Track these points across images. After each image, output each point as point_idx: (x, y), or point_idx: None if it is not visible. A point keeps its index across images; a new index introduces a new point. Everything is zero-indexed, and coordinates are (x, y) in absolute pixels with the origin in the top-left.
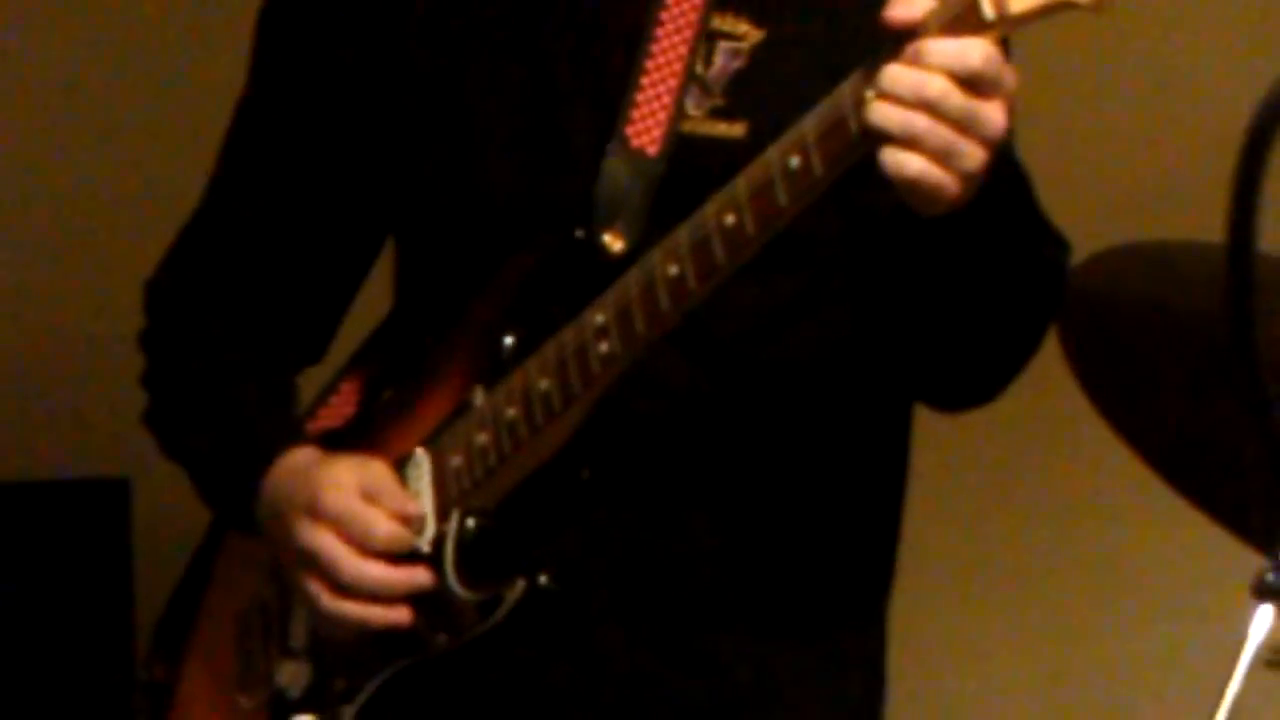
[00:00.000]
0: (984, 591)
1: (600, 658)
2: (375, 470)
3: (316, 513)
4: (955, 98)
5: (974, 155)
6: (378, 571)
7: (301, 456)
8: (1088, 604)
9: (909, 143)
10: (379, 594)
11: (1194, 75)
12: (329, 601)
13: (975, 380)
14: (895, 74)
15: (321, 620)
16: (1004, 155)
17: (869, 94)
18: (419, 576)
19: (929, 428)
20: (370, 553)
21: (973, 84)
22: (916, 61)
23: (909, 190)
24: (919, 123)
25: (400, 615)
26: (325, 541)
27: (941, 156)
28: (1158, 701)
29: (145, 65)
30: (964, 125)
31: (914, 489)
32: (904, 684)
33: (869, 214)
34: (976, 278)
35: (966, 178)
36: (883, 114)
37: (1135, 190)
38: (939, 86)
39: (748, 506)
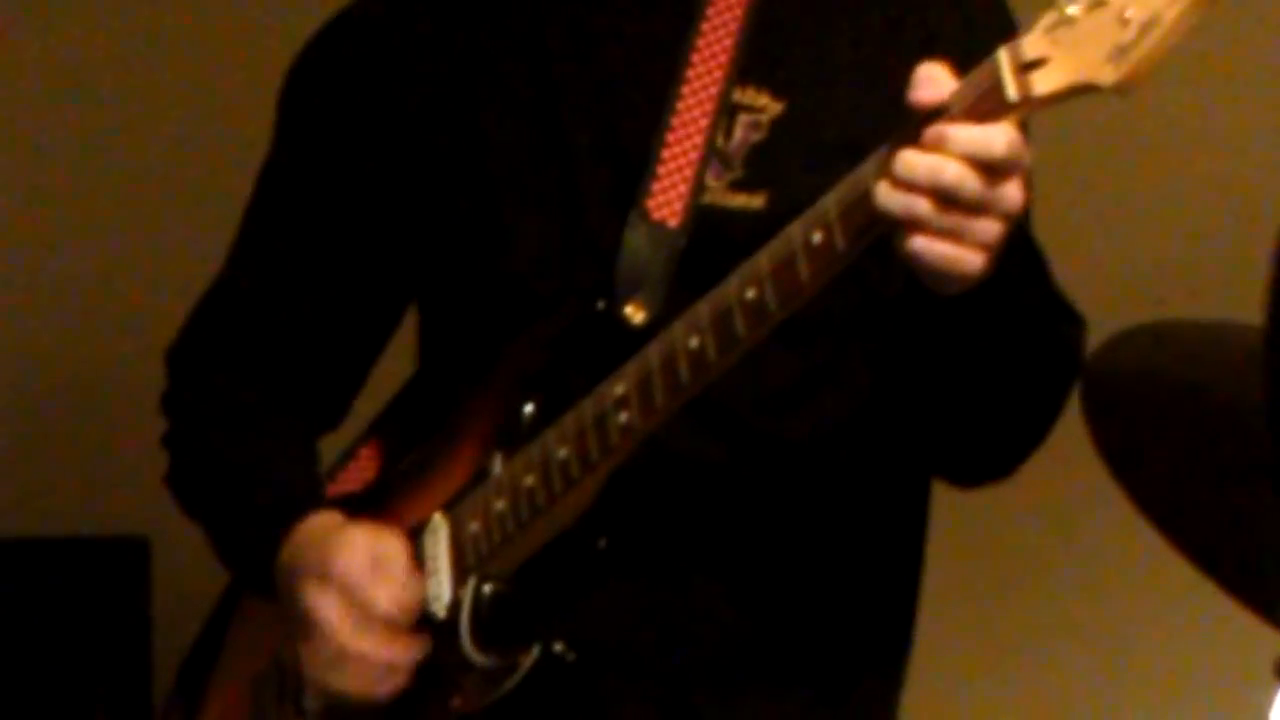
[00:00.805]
0: (997, 670)
1: None
2: (389, 543)
3: (325, 577)
4: (970, 184)
5: (990, 230)
6: (368, 645)
7: (320, 522)
8: (1105, 684)
9: (914, 226)
10: (380, 668)
11: (1221, 151)
12: (329, 674)
13: (990, 456)
14: (909, 160)
15: (311, 686)
16: (1017, 232)
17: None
18: (410, 651)
19: (943, 501)
20: (369, 625)
21: (996, 168)
22: (939, 147)
23: (919, 269)
24: (921, 207)
25: (400, 682)
26: (329, 611)
27: (953, 235)
28: None
29: (173, 129)
30: (983, 208)
31: (928, 565)
32: None
33: (885, 289)
34: (991, 353)
35: (984, 250)
36: (886, 197)
37: (1160, 268)
38: (954, 173)
39: (764, 578)
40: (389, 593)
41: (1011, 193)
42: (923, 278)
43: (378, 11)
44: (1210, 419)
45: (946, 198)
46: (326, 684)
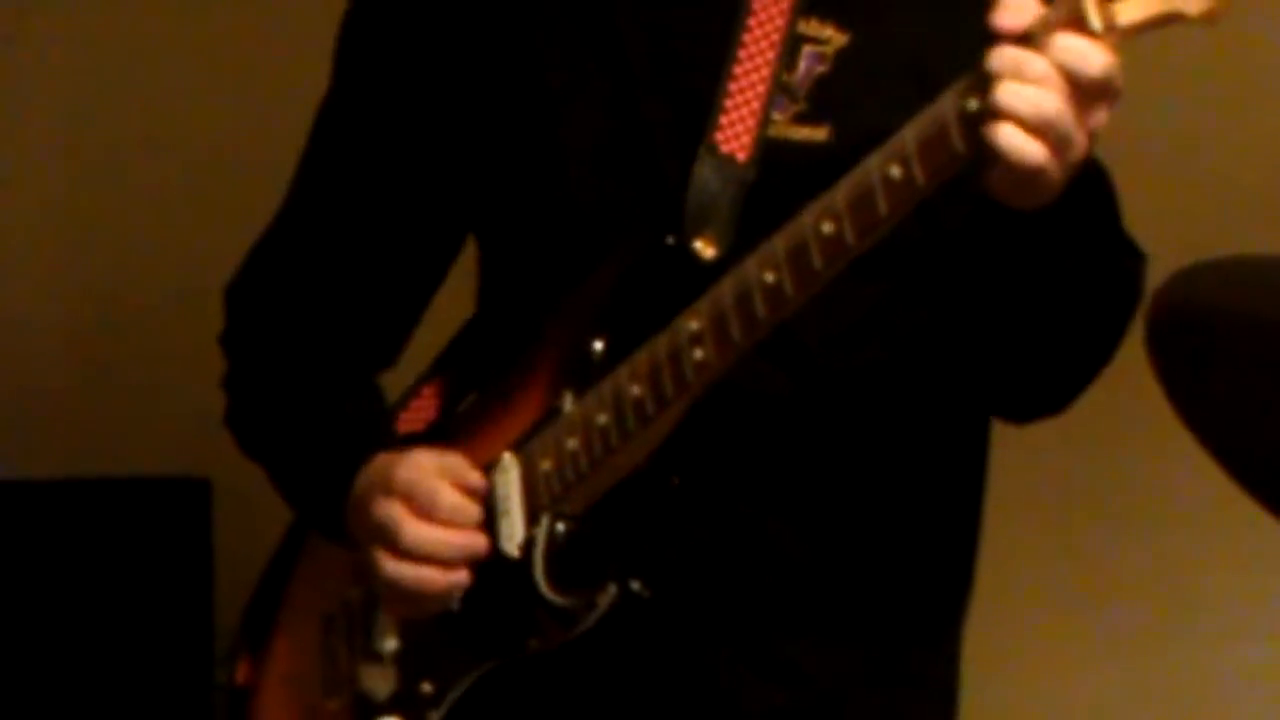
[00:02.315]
0: (1060, 608)
1: (688, 663)
2: (450, 454)
3: (389, 487)
4: (1067, 89)
5: (1080, 147)
6: (436, 534)
7: (390, 455)
8: (1167, 621)
9: (1036, 128)
10: (437, 557)
11: None
12: (390, 567)
13: (1046, 390)
14: (1011, 57)
15: (385, 591)
16: (1092, 159)
17: (972, 103)
18: (476, 540)
19: (1007, 442)
20: (433, 516)
21: (1091, 88)
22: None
23: (1015, 177)
24: (1050, 106)
25: (458, 578)
26: (392, 510)
27: (1056, 146)
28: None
29: (230, 65)
30: (1083, 118)
31: (990, 504)
32: (976, 698)
33: (951, 220)
34: (1055, 283)
35: (1069, 168)
36: (1010, 94)
37: (1230, 202)
38: (1049, 73)
39: (833, 513)
40: (450, 489)
41: (1100, 114)
42: (998, 189)
43: None
44: (1275, 351)
45: (1062, 100)
46: (392, 586)
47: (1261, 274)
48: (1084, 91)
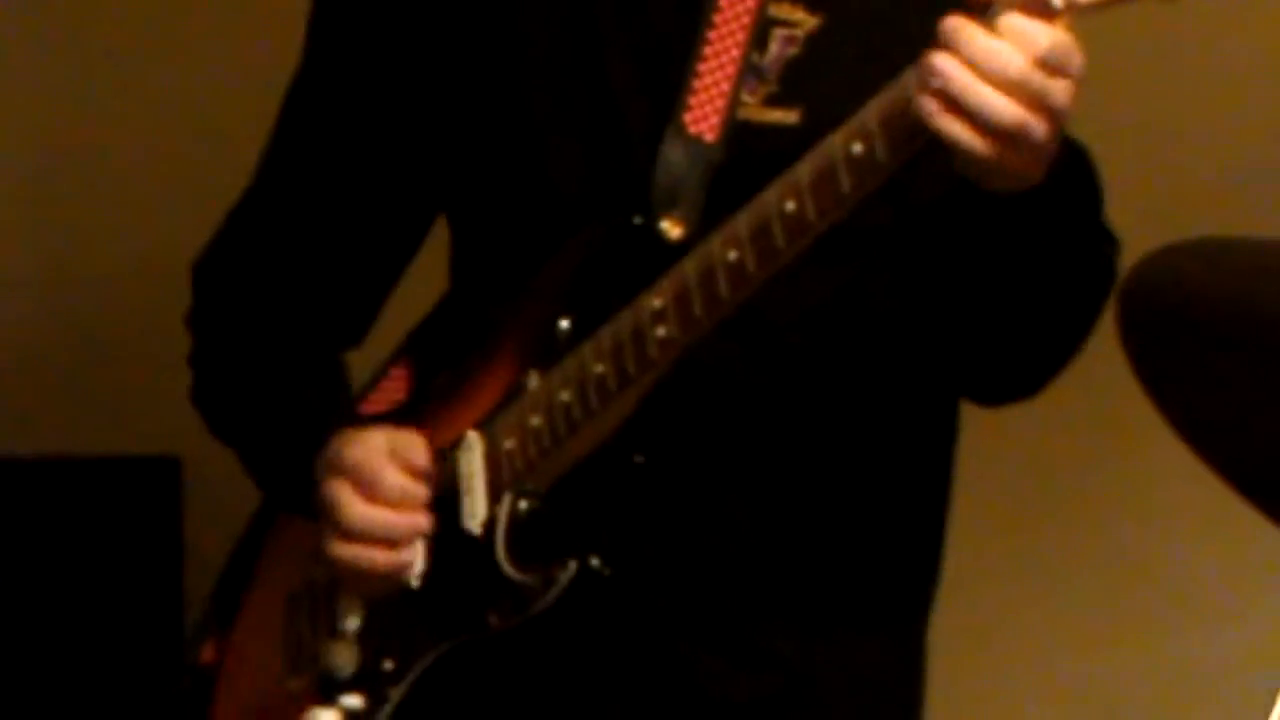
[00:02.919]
0: (1025, 592)
1: (649, 642)
2: (404, 434)
3: (337, 466)
4: (1034, 77)
5: (1039, 132)
6: (379, 515)
7: (347, 434)
8: (1132, 606)
9: (989, 121)
10: (381, 538)
11: (1263, 66)
12: (336, 547)
13: (1018, 374)
14: (974, 41)
15: (337, 570)
16: (1073, 145)
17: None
18: (419, 521)
19: (973, 425)
20: (374, 497)
21: (1042, 66)
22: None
23: (969, 161)
24: (984, 94)
25: (404, 558)
26: (337, 490)
27: (1012, 132)
28: (1204, 708)
29: (197, 46)
30: (1035, 102)
31: (957, 487)
32: (942, 683)
33: (922, 203)
34: (1028, 268)
35: (1031, 150)
36: (971, 90)
37: (1200, 185)
38: (1018, 64)
39: (797, 495)
40: (396, 471)
41: (1059, 91)
42: (970, 173)
43: None
44: (1247, 334)
45: (1005, 81)
46: (344, 568)
47: (1232, 255)
48: (1041, 66)
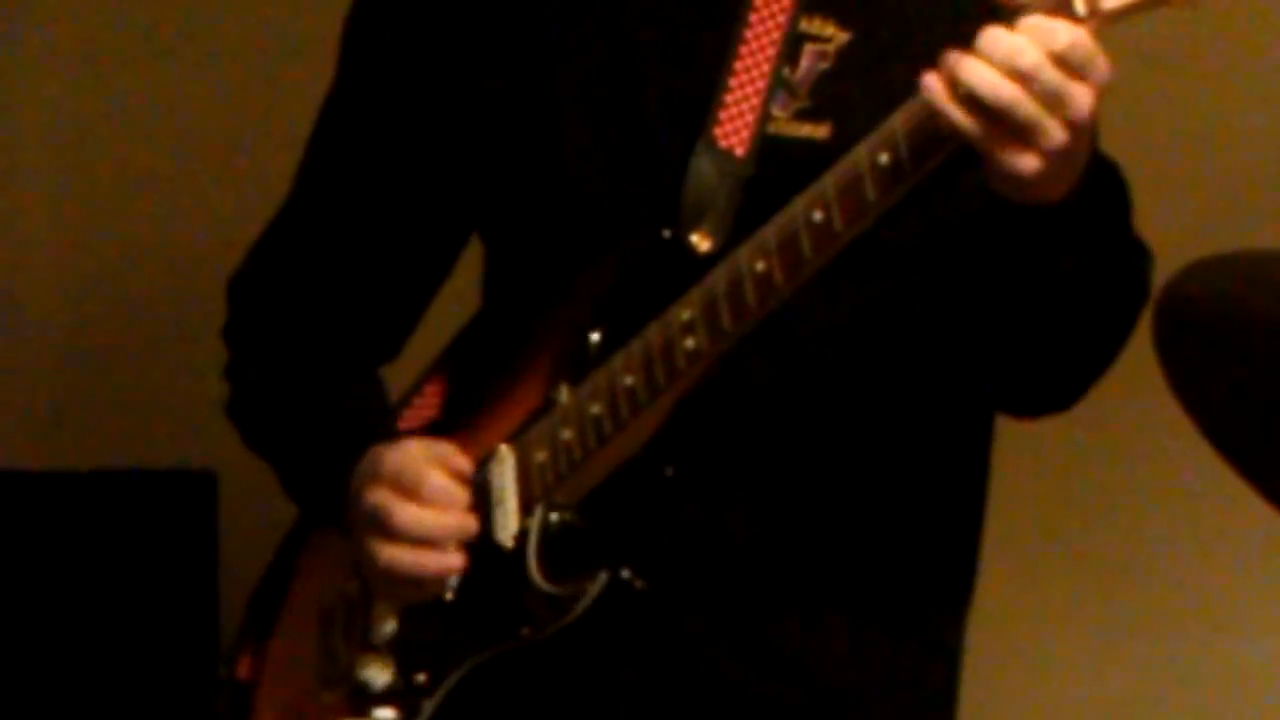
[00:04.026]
0: (1055, 599)
1: (682, 653)
2: (440, 442)
3: (378, 474)
4: (1048, 71)
5: (1057, 135)
6: (428, 516)
7: (382, 445)
8: (1172, 618)
9: (996, 110)
10: (430, 539)
11: None
12: (385, 552)
13: (1051, 387)
14: (993, 36)
15: (379, 577)
16: (1101, 158)
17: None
18: (467, 521)
19: (1011, 439)
20: (419, 499)
21: (1060, 64)
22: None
23: (992, 165)
24: (1006, 89)
25: (453, 560)
26: (381, 495)
27: (1019, 131)
28: (1233, 715)
29: (235, 59)
30: (1050, 101)
31: (994, 501)
32: (978, 695)
33: (952, 217)
34: (1060, 281)
35: (1049, 157)
36: (975, 73)
37: (1237, 196)
38: (1033, 57)
39: (827, 507)
40: (439, 474)
41: (1081, 95)
42: (996, 183)
43: None
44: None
45: (1023, 81)
46: (388, 571)
47: (1268, 268)
48: (1061, 68)
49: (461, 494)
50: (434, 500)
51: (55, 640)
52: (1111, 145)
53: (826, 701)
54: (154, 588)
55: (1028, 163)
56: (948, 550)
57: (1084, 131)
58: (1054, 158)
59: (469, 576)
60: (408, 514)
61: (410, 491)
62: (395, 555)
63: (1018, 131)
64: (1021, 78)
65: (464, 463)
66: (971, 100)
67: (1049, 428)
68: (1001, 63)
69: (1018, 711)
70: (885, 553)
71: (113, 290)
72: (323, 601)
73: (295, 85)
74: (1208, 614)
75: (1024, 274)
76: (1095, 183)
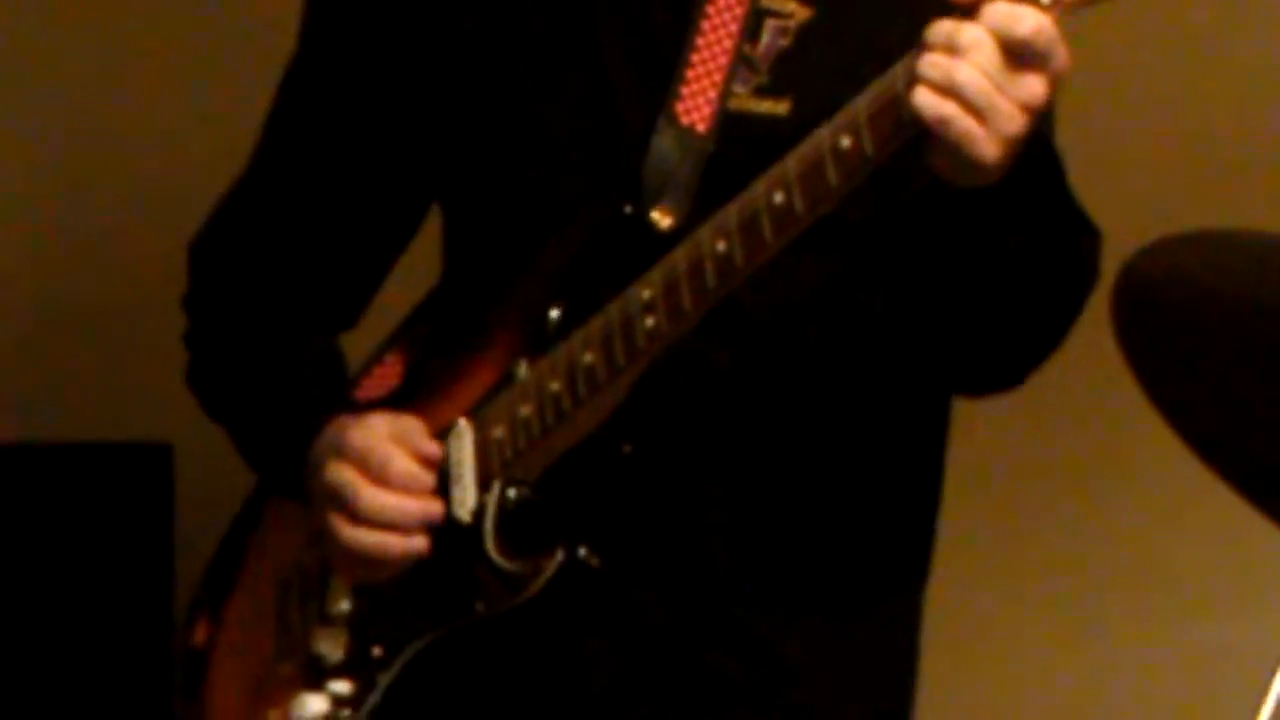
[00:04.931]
0: (1020, 584)
1: (637, 631)
2: (405, 419)
3: (342, 451)
4: (996, 56)
5: (1013, 119)
6: (393, 500)
7: (344, 418)
8: (1127, 599)
9: (949, 91)
10: (396, 524)
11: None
12: (348, 532)
13: (1000, 364)
14: (943, 27)
15: (341, 556)
16: (1039, 138)
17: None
18: (433, 507)
19: (966, 418)
20: (385, 481)
21: (1019, 51)
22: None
23: (946, 149)
24: (960, 72)
25: (417, 544)
26: (346, 475)
27: (979, 112)
28: (1200, 701)
29: (194, 38)
30: (1003, 86)
31: (950, 480)
32: (935, 677)
33: (904, 197)
34: (1006, 258)
35: (1002, 141)
36: (927, 62)
37: (1196, 178)
38: (979, 39)
39: (784, 486)
40: (404, 455)
41: (1035, 83)
42: (939, 166)
43: None
44: (1241, 328)
45: (976, 66)
46: (351, 552)
47: (1228, 248)
48: (1016, 56)
49: (427, 478)
50: (400, 484)
51: (9, 613)
52: (1074, 126)
53: (782, 678)
54: (110, 561)
55: (986, 149)
56: (904, 528)
57: (1037, 116)
58: (1010, 144)
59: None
60: (374, 498)
61: (376, 474)
62: (358, 537)
63: (977, 116)
64: (986, 69)
65: (430, 446)
66: (934, 85)
67: (1007, 409)
68: (956, 46)
69: (979, 700)
70: (841, 531)
71: (69, 260)
72: (279, 572)
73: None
74: (1172, 597)
75: (972, 251)
76: (1032, 157)
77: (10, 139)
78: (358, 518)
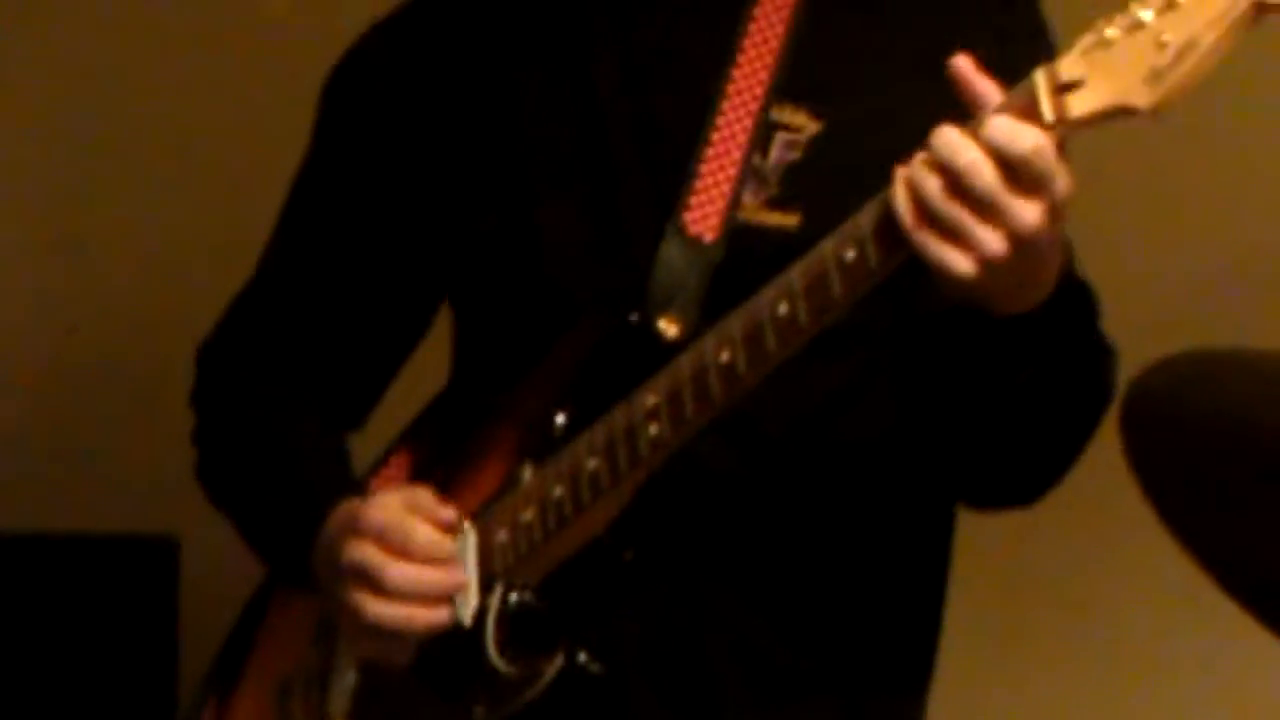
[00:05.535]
0: (1021, 686)
1: None
2: (416, 489)
3: (359, 529)
4: (983, 176)
5: (992, 242)
6: (418, 572)
7: (355, 500)
8: (1130, 703)
9: (919, 206)
10: (420, 595)
11: (1264, 179)
12: (374, 608)
13: (1013, 483)
14: (948, 141)
15: (362, 633)
16: (1071, 281)
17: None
18: (458, 576)
19: (971, 525)
20: (408, 554)
21: (1017, 171)
22: (971, 133)
23: (931, 266)
24: (929, 184)
25: (441, 616)
26: (368, 552)
27: (951, 231)
28: None
29: (206, 132)
30: (984, 207)
31: (954, 586)
32: None
33: (918, 309)
34: (1017, 388)
35: (979, 258)
36: (914, 178)
37: (1204, 294)
38: (969, 158)
39: (790, 594)
40: (424, 525)
41: (1026, 209)
42: (939, 283)
43: (419, 18)
44: (1247, 445)
45: (956, 184)
46: (375, 628)
47: (1231, 367)
48: (1013, 175)
49: (449, 544)
50: (423, 555)
51: (11, 706)
52: (1079, 237)
53: None
54: (113, 655)
55: (959, 263)
56: (908, 632)
57: (1032, 246)
58: (992, 266)
59: (427, 652)
60: (401, 572)
61: (399, 547)
62: (385, 612)
63: (946, 232)
64: (955, 177)
65: (447, 512)
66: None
67: (1008, 520)
68: (938, 160)
69: None
70: (844, 636)
71: (75, 350)
72: (283, 669)
73: (264, 154)
74: (1174, 710)
75: (981, 376)
76: (1058, 303)
77: (15, 218)
78: (384, 592)
